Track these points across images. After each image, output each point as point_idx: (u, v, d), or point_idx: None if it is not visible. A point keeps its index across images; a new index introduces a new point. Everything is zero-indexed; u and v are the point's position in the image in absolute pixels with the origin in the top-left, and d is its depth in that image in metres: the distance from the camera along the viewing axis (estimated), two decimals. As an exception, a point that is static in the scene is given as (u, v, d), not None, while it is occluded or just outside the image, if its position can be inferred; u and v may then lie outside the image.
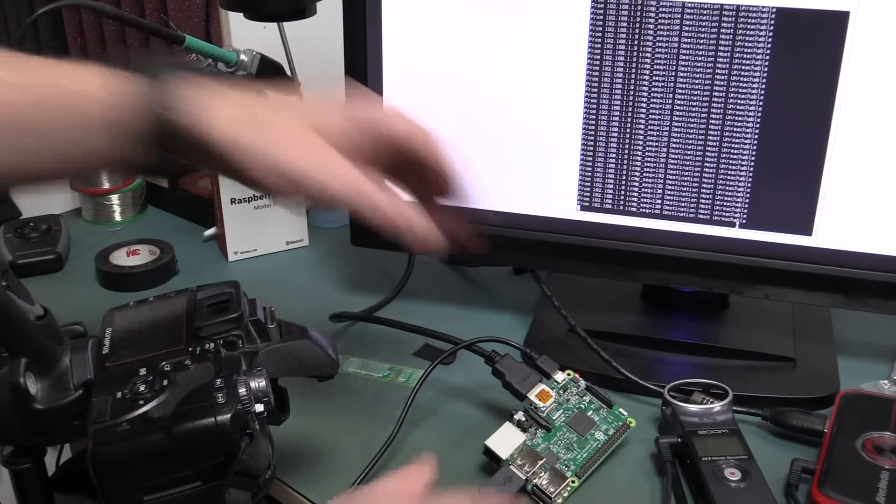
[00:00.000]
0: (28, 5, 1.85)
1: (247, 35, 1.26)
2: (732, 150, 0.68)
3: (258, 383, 0.49)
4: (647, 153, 0.70)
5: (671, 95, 0.68)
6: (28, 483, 0.51)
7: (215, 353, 0.51)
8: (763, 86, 0.65)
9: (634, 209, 0.72)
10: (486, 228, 0.59)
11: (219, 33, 1.61)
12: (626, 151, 0.71)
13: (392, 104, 0.56)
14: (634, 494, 0.62)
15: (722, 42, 0.65)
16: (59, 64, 0.51)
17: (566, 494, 0.61)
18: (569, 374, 0.66)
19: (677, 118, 0.68)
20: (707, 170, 0.69)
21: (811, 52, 0.64)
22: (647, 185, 0.71)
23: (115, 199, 1.04)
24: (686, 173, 0.70)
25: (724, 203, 0.69)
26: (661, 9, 0.66)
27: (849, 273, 0.68)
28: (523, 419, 0.63)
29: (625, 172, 0.71)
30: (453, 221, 0.58)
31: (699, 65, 0.67)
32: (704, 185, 0.69)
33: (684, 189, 0.70)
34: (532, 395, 0.64)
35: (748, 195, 0.69)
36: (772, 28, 0.64)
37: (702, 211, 0.70)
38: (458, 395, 0.72)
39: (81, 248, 0.98)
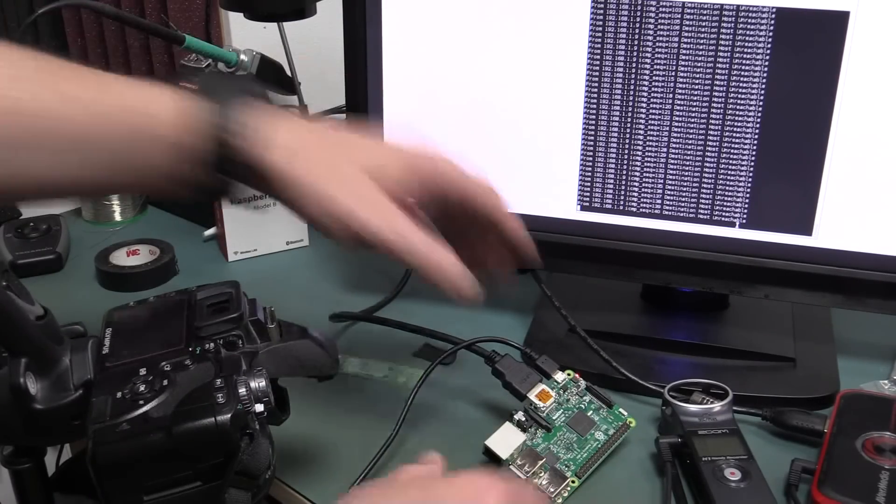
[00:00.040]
0: (28, 5, 1.85)
1: (247, 35, 1.26)
2: (732, 150, 0.68)
3: (258, 383, 0.49)
4: (647, 153, 0.70)
5: (671, 95, 0.68)
6: (28, 483, 0.51)
7: (215, 353, 0.51)
8: (763, 86, 0.65)
9: (634, 209, 0.72)
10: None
11: (219, 33, 1.61)
12: (626, 151, 0.71)
13: (444, 152, 0.56)
14: (634, 494, 0.62)
15: (722, 42, 0.65)
16: (128, 82, 0.53)
17: (566, 494, 0.61)
18: (569, 374, 0.66)
19: (677, 118, 0.68)
20: (707, 170, 0.69)
21: (811, 52, 0.64)
22: (647, 185, 0.71)
23: (115, 198, 1.04)
24: (686, 173, 0.70)
25: (724, 203, 0.69)
26: (661, 9, 0.66)
27: (849, 273, 0.68)
28: (523, 419, 0.63)
29: (625, 172, 0.71)
30: (498, 265, 0.59)
31: (699, 65, 0.67)
32: (704, 185, 0.69)
33: (684, 189, 0.70)
34: (532, 395, 0.64)
35: (748, 195, 0.69)
36: (772, 28, 0.64)
37: (702, 211, 0.70)
38: (458, 395, 0.72)
39: (81, 248, 0.98)
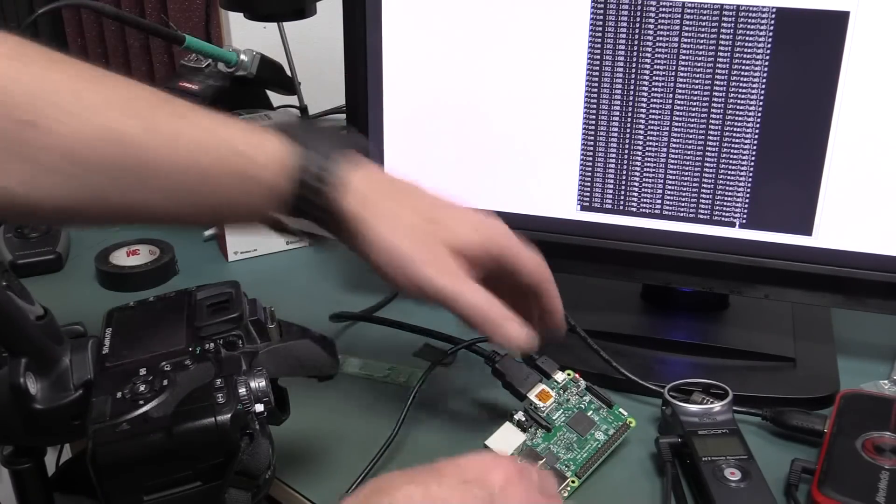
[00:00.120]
0: (28, 5, 1.86)
1: (247, 35, 1.26)
2: (732, 150, 0.68)
3: (258, 383, 0.49)
4: (647, 153, 0.70)
5: (671, 95, 0.68)
6: (28, 483, 0.51)
7: (215, 353, 0.51)
8: (763, 86, 0.65)
9: (634, 209, 0.72)
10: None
11: (219, 33, 1.61)
12: (626, 151, 0.71)
13: (512, 235, 0.60)
14: (634, 494, 0.62)
15: (722, 42, 0.65)
16: (233, 123, 0.56)
17: (566, 494, 0.61)
18: (569, 374, 0.66)
19: (677, 118, 0.68)
20: (707, 170, 0.69)
21: (811, 52, 0.64)
22: (647, 185, 0.71)
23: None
24: (686, 173, 0.70)
25: (724, 203, 0.69)
26: (661, 9, 0.66)
27: (849, 273, 0.68)
28: (523, 419, 0.63)
29: (625, 172, 0.71)
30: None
31: (699, 65, 0.67)
32: (704, 185, 0.69)
33: (684, 189, 0.70)
34: (532, 395, 0.64)
35: (748, 195, 0.69)
36: (772, 28, 0.64)
37: (702, 211, 0.70)
38: (458, 395, 0.72)
39: (81, 248, 0.98)
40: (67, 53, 0.54)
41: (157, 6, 1.66)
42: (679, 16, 0.66)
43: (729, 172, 0.68)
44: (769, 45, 0.64)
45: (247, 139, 0.55)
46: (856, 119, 0.64)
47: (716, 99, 0.67)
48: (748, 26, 0.64)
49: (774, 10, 0.63)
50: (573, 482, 0.61)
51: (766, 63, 0.65)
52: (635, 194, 0.71)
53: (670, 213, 0.71)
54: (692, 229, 0.71)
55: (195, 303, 0.56)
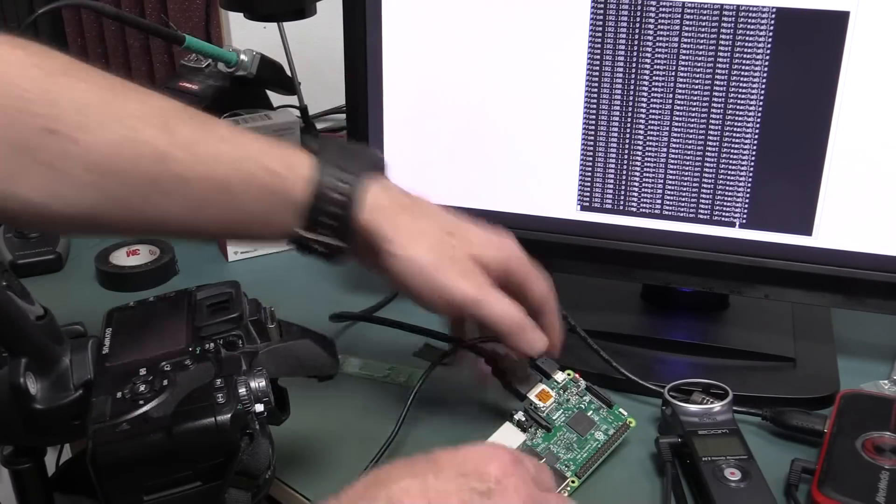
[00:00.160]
0: (28, 5, 1.86)
1: (247, 35, 1.26)
2: (732, 150, 0.68)
3: (258, 383, 0.49)
4: (647, 153, 0.70)
5: (671, 95, 0.68)
6: (28, 483, 0.51)
7: (215, 353, 0.51)
8: (763, 86, 0.65)
9: (634, 209, 0.72)
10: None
11: (219, 33, 1.61)
12: (626, 151, 0.71)
13: (524, 253, 0.62)
14: (634, 494, 0.62)
15: (722, 42, 0.65)
16: (263, 142, 0.57)
17: (566, 494, 0.60)
18: (569, 374, 0.66)
19: (677, 118, 0.68)
20: (707, 170, 0.69)
21: (811, 52, 0.64)
22: (647, 185, 0.71)
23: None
24: (686, 173, 0.70)
25: (724, 203, 0.69)
26: (661, 9, 0.66)
27: (849, 273, 0.68)
28: (523, 419, 0.63)
29: (625, 172, 0.71)
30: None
31: (699, 65, 0.67)
32: (704, 185, 0.69)
33: (684, 189, 0.70)
34: (532, 396, 0.64)
35: (748, 195, 0.69)
36: (772, 28, 0.64)
37: (702, 211, 0.70)
38: (458, 395, 0.72)
39: (81, 248, 0.97)
40: (67, 53, 0.54)
41: (157, 6, 1.66)
42: (679, 16, 0.66)
43: (729, 172, 0.68)
44: (769, 45, 0.64)
45: (270, 152, 0.56)
46: (856, 119, 0.64)
47: (716, 99, 0.67)
48: (748, 26, 0.64)
49: (774, 10, 0.63)
50: (573, 482, 0.61)
51: (766, 63, 0.65)
52: (635, 194, 0.71)
53: (670, 213, 0.71)
54: (692, 229, 0.71)
55: (195, 303, 0.56)
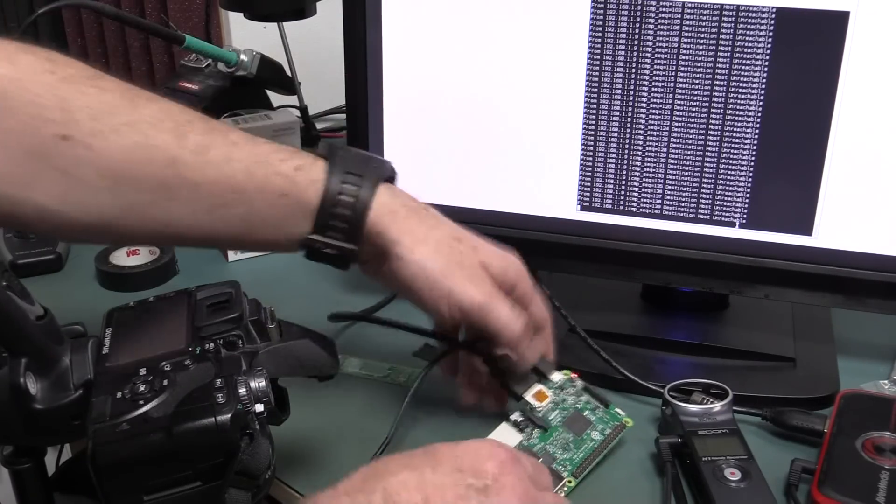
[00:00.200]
0: (28, 5, 1.86)
1: (247, 35, 1.26)
2: (732, 150, 0.68)
3: (258, 383, 0.49)
4: (647, 153, 0.70)
5: (671, 95, 0.68)
6: (28, 483, 0.51)
7: (215, 353, 0.51)
8: (763, 86, 0.65)
9: (634, 209, 0.72)
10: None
11: (219, 33, 1.61)
12: (626, 151, 0.71)
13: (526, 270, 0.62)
14: (634, 494, 0.62)
15: (722, 42, 0.65)
16: (277, 148, 0.57)
17: (563, 494, 0.60)
18: (566, 374, 0.66)
19: (677, 118, 0.68)
20: (707, 170, 0.69)
21: (811, 52, 0.64)
22: (647, 185, 0.71)
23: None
24: (686, 173, 0.70)
25: (724, 203, 0.69)
26: (661, 9, 0.66)
27: (849, 273, 0.68)
28: (520, 419, 0.63)
29: (625, 172, 0.71)
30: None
31: (699, 65, 0.67)
32: (704, 185, 0.69)
33: (684, 189, 0.70)
34: (529, 396, 0.64)
35: (748, 195, 0.69)
36: (772, 28, 0.64)
37: (702, 211, 0.70)
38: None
39: (81, 248, 0.97)
40: (67, 53, 0.54)
41: (157, 6, 1.66)
42: (679, 16, 0.66)
43: (729, 172, 0.68)
44: (769, 45, 0.64)
45: (281, 156, 0.57)
46: (856, 119, 0.64)
47: (716, 99, 0.67)
48: (748, 26, 0.64)
49: (774, 10, 0.63)
50: (570, 482, 0.61)
51: (766, 63, 0.65)
52: (635, 194, 0.71)
53: (670, 213, 0.71)
54: (692, 229, 0.71)
55: (195, 303, 0.56)
